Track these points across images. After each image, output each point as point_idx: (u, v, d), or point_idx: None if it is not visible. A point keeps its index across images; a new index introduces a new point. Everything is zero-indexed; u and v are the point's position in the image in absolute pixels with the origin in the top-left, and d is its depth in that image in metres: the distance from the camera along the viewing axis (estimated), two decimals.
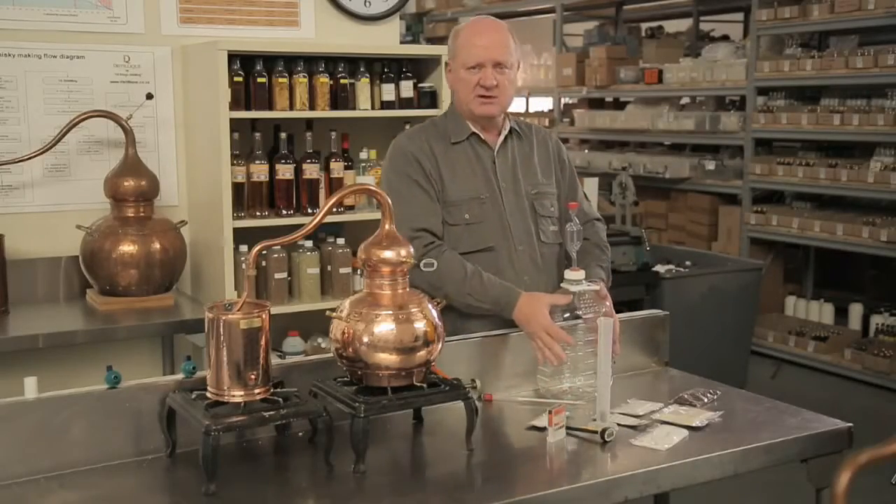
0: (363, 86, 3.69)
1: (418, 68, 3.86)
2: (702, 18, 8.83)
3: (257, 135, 3.54)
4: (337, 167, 3.68)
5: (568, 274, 2.36)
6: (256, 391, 1.92)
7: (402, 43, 4.93)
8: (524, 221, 2.60)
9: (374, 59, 3.76)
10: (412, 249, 2.03)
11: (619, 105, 8.74)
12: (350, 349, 1.97)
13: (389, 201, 2.04)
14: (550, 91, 8.86)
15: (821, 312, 6.59)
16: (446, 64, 2.65)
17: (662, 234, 7.60)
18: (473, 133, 2.60)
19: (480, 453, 2.02)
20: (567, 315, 2.33)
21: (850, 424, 2.21)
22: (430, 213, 2.50)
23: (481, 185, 2.57)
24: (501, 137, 2.62)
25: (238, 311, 1.91)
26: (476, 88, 2.52)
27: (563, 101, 8.99)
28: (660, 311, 2.75)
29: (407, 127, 3.51)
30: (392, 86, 3.75)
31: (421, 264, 2.45)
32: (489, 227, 2.55)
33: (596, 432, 2.08)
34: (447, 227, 2.52)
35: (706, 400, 2.34)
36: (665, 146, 8.35)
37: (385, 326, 1.96)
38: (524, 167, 2.64)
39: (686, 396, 2.36)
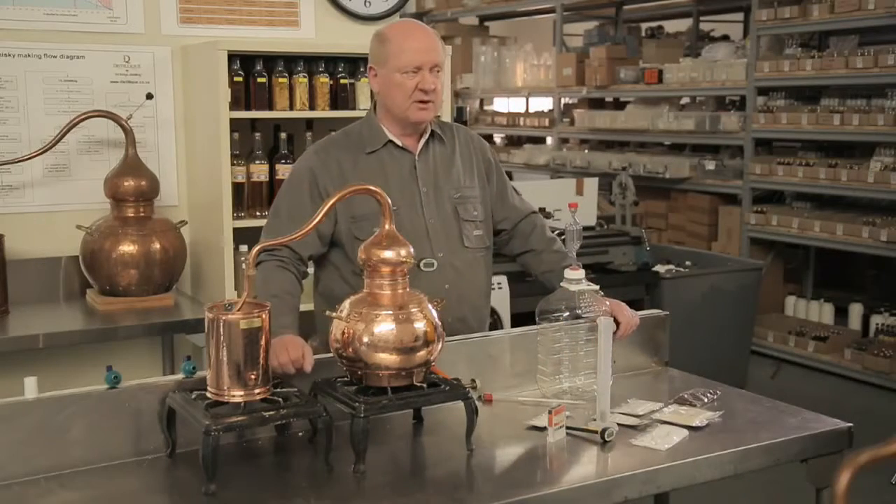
0: (363, 86, 3.69)
1: None
2: (702, 18, 8.84)
3: (257, 135, 3.54)
4: None
5: (567, 273, 2.35)
6: (256, 391, 1.92)
7: None
8: (446, 227, 2.55)
9: None
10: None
11: (619, 105, 8.75)
12: (350, 349, 1.97)
13: (389, 202, 2.04)
14: (550, 91, 8.86)
15: (821, 312, 6.59)
16: (370, 68, 2.53)
17: (662, 234, 7.60)
18: (389, 141, 2.54)
19: (480, 453, 2.02)
20: (567, 314, 2.33)
21: (850, 424, 2.21)
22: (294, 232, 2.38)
23: (395, 195, 2.45)
24: (423, 142, 2.57)
25: (238, 311, 1.91)
26: (415, 93, 2.44)
27: (563, 101, 8.99)
28: (660, 311, 2.75)
29: None
30: None
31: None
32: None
33: (596, 432, 2.08)
34: (357, 243, 2.32)
35: (706, 400, 2.35)
36: (665, 146, 8.35)
37: (385, 326, 1.96)
38: (446, 171, 2.58)
39: (686, 396, 2.36)
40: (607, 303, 2.40)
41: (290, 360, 2.11)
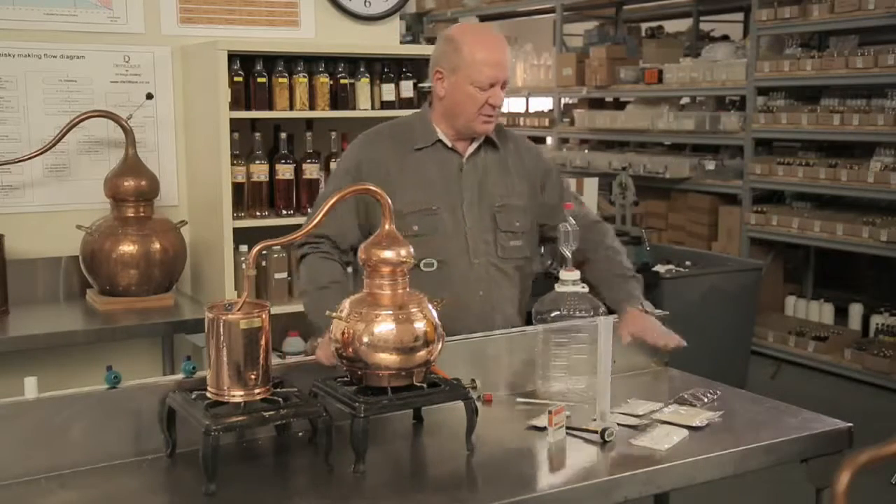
0: (363, 86, 3.69)
1: (418, 68, 3.85)
2: (702, 18, 8.83)
3: (257, 135, 3.54)
4: None
5: (562, 274, 2.34)
6: (256, 391, 1.92)
7: (402, 43, 4.92)
8: (484, 235, 2.54)
9: (374, 59, 3.76)
10: (409, 250, 2.02)
11: (619, 105, 8.75)
12: (350, 349, 1.97)
13: (389, 202, 2.04)
14: (550, 91, 8.86)
15: (821, 312, 6.59)
16: (436, 71, 2.52)
17: (662, 234, 7.60)
18: (439, 140, 2.54)
19: (480, 453, 2.02)
20: (557, 314, 2.32)
21: (850, 424, 2.21)
22: (340, 222, 2.44)
23: (438, 196, 2.50)
24: (474, 146, 2.56)
25: (238, 311, 1.91)
26: (484, 107, 2.45)
27: (563, 101, 8.99)
28: (660, 311, 2.75)
29: None
30: (392, 86, 3.75)
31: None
32: (441, 240, 2.49)
33: (596, 432, 2.08)
34: None
35: (706, 400, 2.34)
36: (665, 146, 8.35)
37: (385, 326, 1.96)
38: (492, 177, 2.56)
39: (686, 396, 2.36)
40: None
41: (330, 361, 2.13)
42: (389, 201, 2.04)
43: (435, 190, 2.51)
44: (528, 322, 2.48)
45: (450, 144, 2.54)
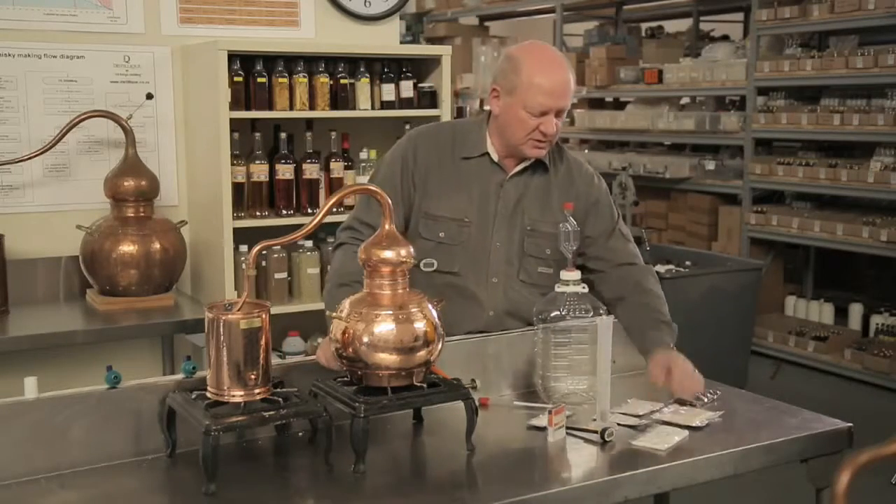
0: (363, 86, 3.69)
1: (418, 68, 3.86)
2: (702, 18, 8.83)
3: (257, 135, 3.54)
4: (337, 167, 3.69)
5: (563, 274, 2.33)
6: (256, 391, 1.92)
7: (402, 43, 4.93)
8: (508, 255, 2.50)
9: (374, 59, 3.76)
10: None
11: (619, 105, 8.74)
12: (350, 349, 1.97)
13: (389, 202, 2.04)
14: None
15: (821, 312, 6.59)
16: (493, 88, 2.45)
17: (662, 234, 7.60)
18: (486, 153, 2.50)
19: (480, 453, 2.02)
20: (556, 315, 2.31)
21: (850, 424, 2.21)
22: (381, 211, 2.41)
23: (472, 208, 2.47)
24: (523, 165, 2.51)
25: (238, 311, 1.91)
26: (534, 133, 2.39)
27: None
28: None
29: (407, 127, 3.52)
30: (392, 86, 3.75)
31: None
32: (463, 252, 2.47)
33: (596, 432, 2.08)
34: (420, 241, 2.43)
35: (706, 400, 2.34)
36: (665, 146, 8.35)
37: (385, 326, 1.95)
38: (532, 200, 2.51)
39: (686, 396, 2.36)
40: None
41: (326, 362, 2.13)
42: (389, 202, 2.03)
43: (471, 202, 2.48)
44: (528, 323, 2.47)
45: (496, 159, 2.50)
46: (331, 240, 3.66)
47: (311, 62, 3.60)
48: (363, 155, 3.76)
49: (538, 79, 2.36)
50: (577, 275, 2.32)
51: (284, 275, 3.61)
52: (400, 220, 2.47)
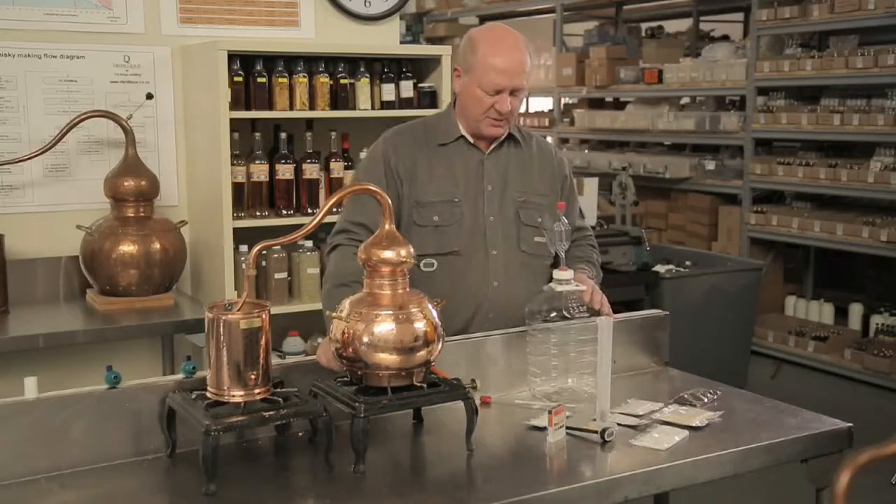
0: (363, 86, 3.69)
1: (418, 68, 3.86)
2: (702, 18, 8.84)
3: (257, 135, 3.54)
4: (337, 167, 3.69)
5: (556, 273, 2.34)
6: (256, 391, 1.92)
7: (402, 43, 4.92)
8: (505, 227, 2.56)
9: (374, 59, 3.76)
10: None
11: (619, 105, 8.75)
12: (350, 349, 1.97)
13: (389, 201, 2.04)
14: (550, 91, 8.86)
15: (821, 312, 6.59)
16: (454, 69, 2.57)
17: (662, 234, 7.61)
18: (462, 136, 2.57)
19: (480, 453, 2.02)
20: (553, 315, 2.32)
21: (850, 424, 2.21)
22: (376, 212, 2.37)
23: (459, 188, 2.54)
24: (495, 143, 2.59)
25: (238, 311, 1.91)
26: (490, 111, 2.48)
27: (563, 101, 8.99)
28: (660, 311, 2.75)
29: None
30: (392, 86, 3.75)
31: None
32: (459, 231, 2.52)
33: (596, 432, 2.08)
34: (416, 229, 2.48)
35: (706, 400, 2.34)
36: (665, 146, 8.35)
37: (385, 326, 1.95)
38: (516, 173, 2.60)
39: (686, 396, 2.36)
40: (604, 310, 2.39)
41: (327, 363, 2.14)
42: (389, 201, 2.04)
43: (457, 182, 2.55)
44: None
45: (471, 140, 2.58)
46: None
47: (311, 62, 3.60)
48: (363, 155, 3.75)
49: (492, 59, 2.44)
50: (569, 274, 2.33)
51: (284, 275, 3.61)
52: (398, 216, 2.50)
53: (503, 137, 2.59)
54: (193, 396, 1.96)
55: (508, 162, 2.60)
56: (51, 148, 3.35)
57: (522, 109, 9.90)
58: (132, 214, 3.38)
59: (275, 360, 2.08)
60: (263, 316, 1.93)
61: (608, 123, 8.21)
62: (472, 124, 2.54)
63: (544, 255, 2.59)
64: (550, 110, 9.12)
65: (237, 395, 1.91)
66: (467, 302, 2.52)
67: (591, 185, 5.70)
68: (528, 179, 2.61)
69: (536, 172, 2.63)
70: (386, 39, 4.02)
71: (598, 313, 2.36)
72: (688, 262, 5.88)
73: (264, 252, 3.11)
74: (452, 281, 2.49)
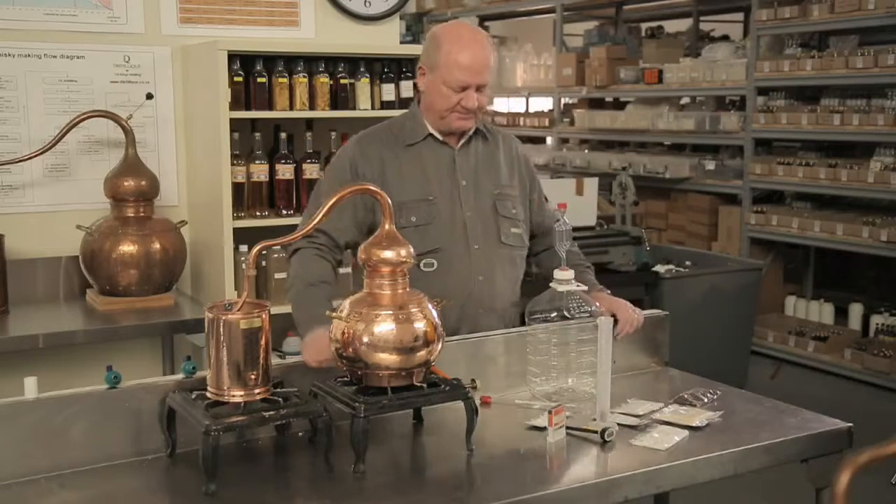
0: (363, 86, 3.69)
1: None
2: (702, 18, 8.84)
3: (257, 135, 3.54)
4: None
5: (557, 273, 2.34)
6: (256, 391, 1.92)
7: (402, 43, 4.92)
8: (484, 221, 2.57)
9: (374, 59, 3.76)
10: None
11: (619, 105, 8.74)
12: (350, 349, 1.97)
13: (389, 202, 2.04)
14: (550, 91, 8.86)
15: (821, 312, 6.59)
16: (419, 67, 2.56)
17: (662, 234, 7.60)
18: (430, 134, 2.57)
19: (480, 453, 2.02)
20: (554, 315, 2.32)
21: (850, 424, 2.21)
22: (338, 217, 2.42)
23: (434, 186, 2.54)
24: (464, 139, 2.60)
25: (238, 311, 1.91)
26: (457, 107, 2.49)
27: (563, 101, 8.99)
28: (660, 311, 2.75)
29: None
30: (392, 86, 3.75)
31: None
32: (438, 229, 2.52)
33: (596, 432, 2.08)
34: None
35: (706, 400, 2.35)
36: (665, 146, 8.35)
37: (385, 326, 1.96)
38: (487, 167, 2.61)
39: (686, 396, 2.36)
40: (596, 304, 2.39)
41: (317, 362, 2.16)
42: (389, 201, 2.04)
43: (430, 180, 2.55)
44: (523, 315, 2.49)
45: (440, 138, 2.58)
46: None
47: (311, 62, 3.60)
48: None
49: (456, 56, 2.45)
50: (569, 274, 2.33)
51: (284, 275, 3.60)
52: (354, 230, 2.51)
53: (471, 133, 2.60)
54: (193, 396, 1.96)
55: (478, 156, 2.62)
56: (51, 148, 3.35)
57: (522, 109, 9.91)
58: (132, 214, 3.38)
59: (275, 360, 2.08)
60: (263, 316, 1.93)
61: (608, 123, 8.21)
62: (439, 121, 2.55)
63: (523, 246, 2.64)
64: (550, 110, 9.12)
65: (237, 395, 1.91)
66: (454, 298, 2.50)
67: (591, 185, 5.70)
68: (498, 172, 2.63)
69: (504, 166, 2.65)
70: (386, 39, 4.02)
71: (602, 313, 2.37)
72: (688, 262, 5.88)
73: (264, 252, 3.10)
74: (438, 278, 2.49)
